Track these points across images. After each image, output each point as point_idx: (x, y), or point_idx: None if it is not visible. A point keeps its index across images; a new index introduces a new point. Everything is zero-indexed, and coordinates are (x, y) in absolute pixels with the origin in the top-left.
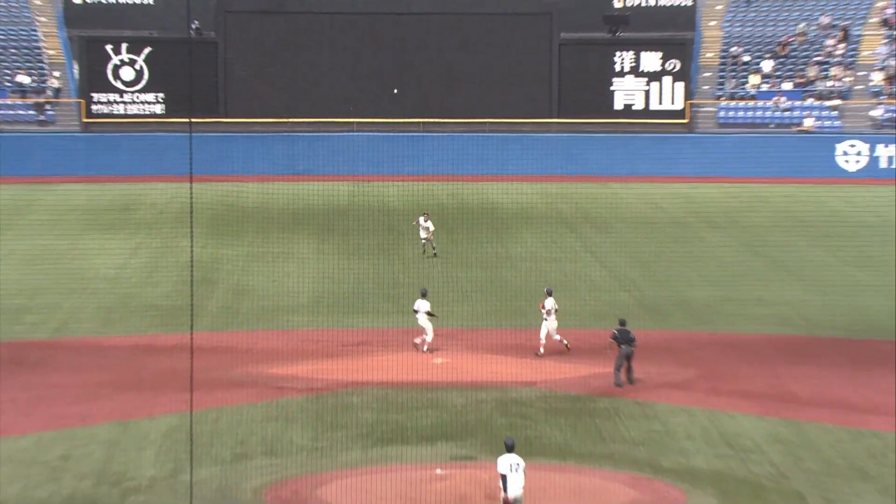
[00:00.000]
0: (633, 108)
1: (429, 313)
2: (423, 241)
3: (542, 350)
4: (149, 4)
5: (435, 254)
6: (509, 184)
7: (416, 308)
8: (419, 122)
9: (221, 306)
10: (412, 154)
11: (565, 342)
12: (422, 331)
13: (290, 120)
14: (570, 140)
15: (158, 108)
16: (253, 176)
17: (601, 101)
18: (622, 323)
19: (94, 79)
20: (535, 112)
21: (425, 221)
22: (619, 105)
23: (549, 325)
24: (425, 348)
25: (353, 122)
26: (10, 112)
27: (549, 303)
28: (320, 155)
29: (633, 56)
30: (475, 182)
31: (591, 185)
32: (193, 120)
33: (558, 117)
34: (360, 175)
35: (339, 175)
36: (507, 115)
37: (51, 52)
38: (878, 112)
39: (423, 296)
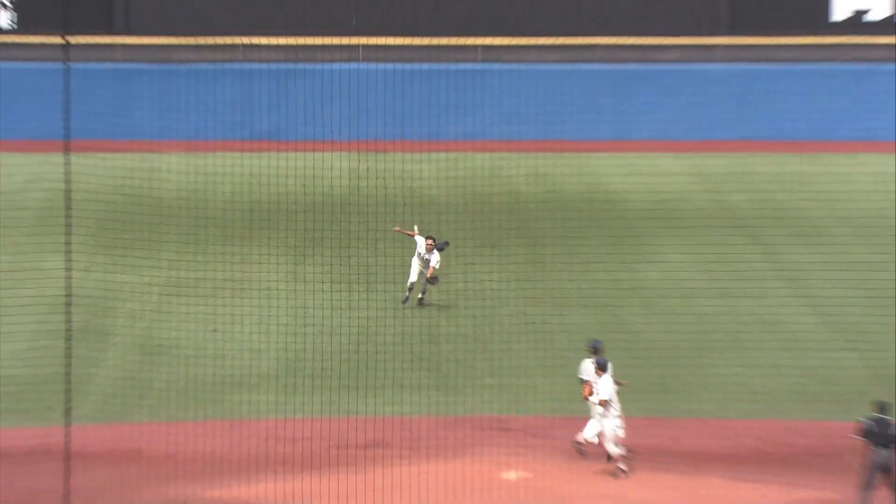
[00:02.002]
0: (868, 18)
1: (616, 382)
2: (424, 277)
3: (583, 448)
4: None
5: (421, 299)
6: (638, 156)
7: (584, 377)
8: (475, 46)
9: (120, 377)
10: (463, 103)
11: (621, 465)
12: (603, 418)
13: (245, 41)
14: (749, 76)
15: (2, 20)
16: (177, 142)
17: (808, 7)
18: (881, 408)
19: None
20: (686, 26)
21: (428, 251)
22: (840, 13)
23: (610, 423)
24: (616, 450)
25: (357, 46)
26: None
27: (608, 384)
28: (299, 104)
29: None
30: (576, 153)
31: (788, 156)
32: (70, 40)
33: (729, 35)
34: (369, 140)
35: (331, 141)
36: (635, 31)
37: None
38: None
39: (595, 351)
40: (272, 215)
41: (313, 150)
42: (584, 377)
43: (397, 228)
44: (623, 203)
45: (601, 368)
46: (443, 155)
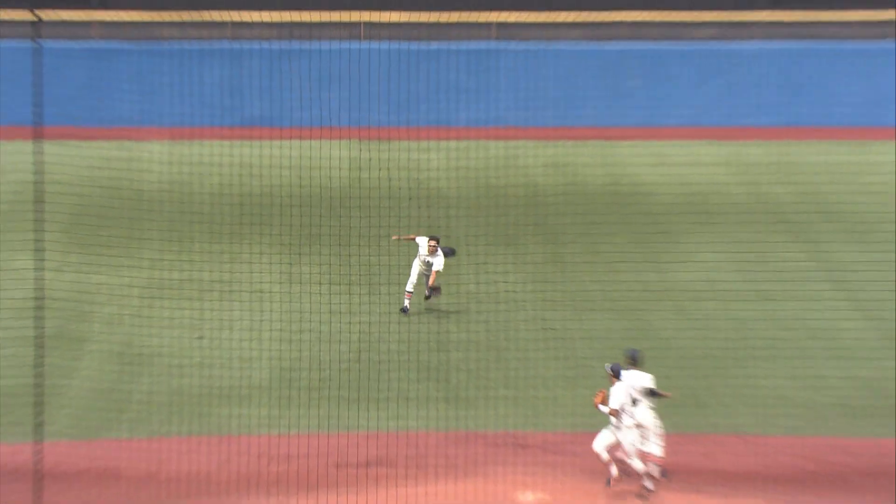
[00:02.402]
0: None
1: (652, 392)
2: (426, 281)
3: (614, 473)
4: None
5: (428, 296)
6: (668, 144)
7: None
8: (489, 24)
9: (96, 389)
10: (475, 86)
11: (646, 484)
12: (641, 438)
13: (235, 17)
14: (793, 55)
15: None
16: (160, 128)
17: None
18: None
19: None
20: (722, 0)
21: (431, 254)
22: None
23: (626, 435)
24: (649, 478)
25: (358, 24)
26: None
27: (621, 392)
28: (294, 88)
29: None
30: (600, 140)
31: (836, 144)
32: (41, 15)
33: (770, 9)
34: (371, 127)
35: (330, 127)
36: (666, 5)
37: None
38: None
39: (633, 362)
40: (265, 210)
41: (310, 138)
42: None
43: (395, 237)
44: (652, 196)
45: (615, 375)
46: (453, 143)
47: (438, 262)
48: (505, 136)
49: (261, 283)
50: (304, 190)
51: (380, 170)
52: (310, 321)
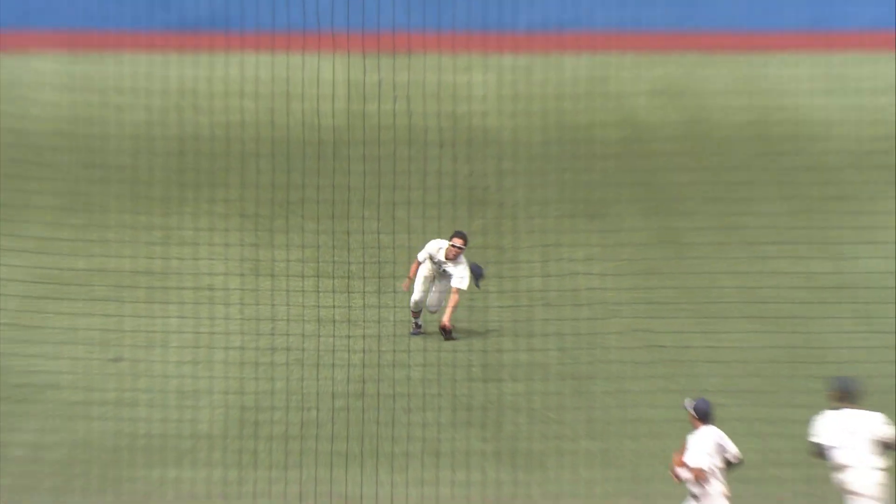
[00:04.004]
0: None
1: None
2: (424, 306)
3: None
4: None
5: (444, 331)
6: (848, 59)
7: (822, 440)
8: None
9: None
10: None
11: None
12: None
13: None
14: None
15: None
16: (52, 34)
17: None
18: None
19: None
20: None
21: (452, 259)
22: None
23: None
24: None
25: None
26: None
27: (708, 442)
28: None
29: None
30: (740, 52)
31: None
32: None
33: None
34: (382, 32)
35: (317, 33)
36: None
37: None
38: None
39: (846, 396)
40: (216, 163)
41: (287, 50)
42: (823, 441)
43: (405, 284)
44: (821, 142)
45: (698, 417)
46: (508, 59)
47: (459, 274)
48: (590, 47)
49: (211, 274)
50: (278, 132)
51: (395, 100)
52: (286, 334)
